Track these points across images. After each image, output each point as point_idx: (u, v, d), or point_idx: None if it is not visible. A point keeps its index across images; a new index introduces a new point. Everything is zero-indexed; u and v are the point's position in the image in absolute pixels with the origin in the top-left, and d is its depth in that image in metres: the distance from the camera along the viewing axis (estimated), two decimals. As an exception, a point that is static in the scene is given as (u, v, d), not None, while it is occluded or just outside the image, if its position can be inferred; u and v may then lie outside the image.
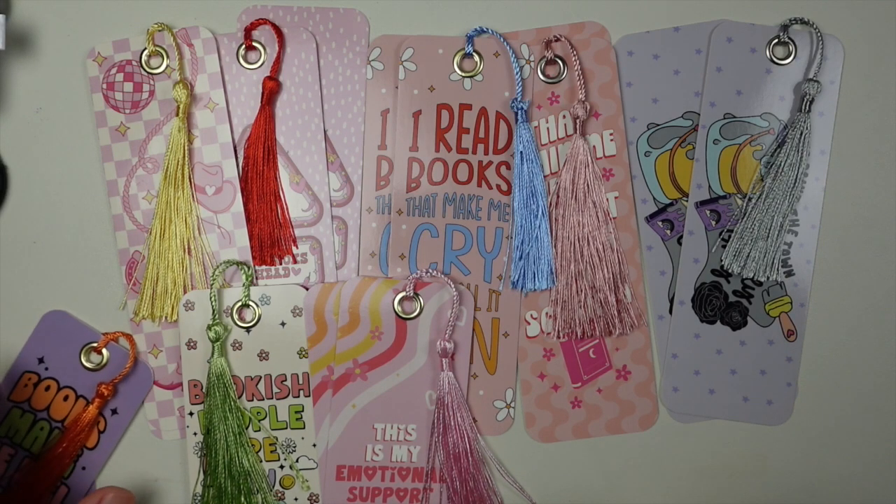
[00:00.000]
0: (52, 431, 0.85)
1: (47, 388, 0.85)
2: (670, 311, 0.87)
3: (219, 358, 0.83)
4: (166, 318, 0.84)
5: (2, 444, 0.85)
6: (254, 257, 0.85)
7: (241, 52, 0.86)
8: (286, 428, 0.85)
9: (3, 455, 0.85)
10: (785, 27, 0.85)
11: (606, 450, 0.88)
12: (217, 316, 0.83)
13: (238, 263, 0.84)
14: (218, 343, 0.83)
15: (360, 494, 0.85)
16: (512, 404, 0.86)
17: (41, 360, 0.85)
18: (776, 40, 0.86)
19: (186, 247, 0.84)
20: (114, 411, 0.86)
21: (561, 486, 0.88)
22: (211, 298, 0.83)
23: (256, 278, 0.85)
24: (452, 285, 0.83)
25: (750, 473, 0.88)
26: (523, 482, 0.87)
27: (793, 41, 0.86)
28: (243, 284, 0.84)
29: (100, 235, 0.86)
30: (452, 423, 0.84)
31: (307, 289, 0.85)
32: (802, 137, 0.84)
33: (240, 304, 0.84)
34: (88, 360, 0.85)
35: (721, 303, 0.86)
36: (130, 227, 0.85)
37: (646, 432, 0.87)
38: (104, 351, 0.85)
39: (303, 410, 0.85)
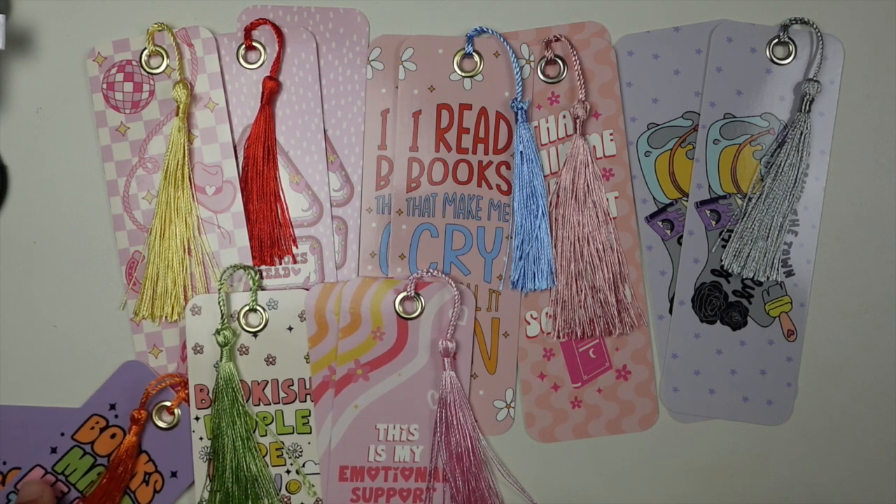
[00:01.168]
0: None
1: (113, 436, 0.85)
2: (670, 311, 0.87)
3: (227, 362, 0.83)
4: (166, 318, 0.84)
5: (56, 480, 0.85)
6: (254, 257, 0.85)
7: (241, 52, 0.85)
8: (293, 433, 0.85)
9: (55, 491, 0.85)
10: (785, 27, 0.85)
11: (606, 450, 0.88)
12: (226, 320, 0.83)
13: (245, 268, 0.84)
14: (227, 347, 0.83)
15: (364, 495, 0.85)
16: (512, 404, 0.86)
17: (112, 407, 0.85)
18: (776, 40, 0.86)
19: (186, 247, 0.84)
20: (173, 474, 0.85)
21: (561, 486, 0.88)
22: (220, 303, 0.83)
23: (261, 278, 0.85)
24: (454, 285, 0.83)
25: (750, 473, 0.88)
26: (523, 482, 0.87)
27: (793, 41, 0.86)
28: (251, 289, 0.84)
29: (100, 235, 0.86)
30: (455, 423, 0.84)
31: (308, 289, 0.85)
32: (802, 137, 0.84)
33: (247, 308, 0.84)
34: (161, 420, 0.85)
35: (721, 303, 0.86)
36: (130, 227, 0.85)
37: (646, 432, 0.87)
38: (176, 411, 0.85)
39: (309, 415, 0.85)
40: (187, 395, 0.85)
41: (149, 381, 0.84)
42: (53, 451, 0.85)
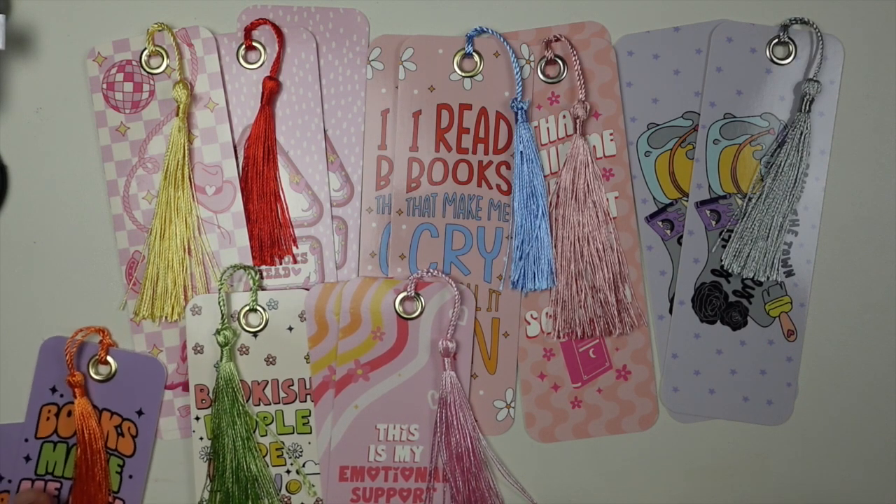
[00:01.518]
0: None
1: (69, 414, 0.85)
2: (670, 311, 0.87)
3: (227, 362, 0.83)
4: (166, 318, 0.84)
5: (46, 482, 0.85)
6: (254, 257, 0.85)
7: (241, 52, 0.85)
8: (293, 433, 0.85)
9: (50, 490, 0.85)
10: (785, 27, 0.85)
11: (606, 450, 0.88)
12: (226, 321, 0.83)
13: (245, 268, 0.84)
14: (227, 347, 0.83)
15: (364, 495, 0.85)
16: (512, 404, 0.86)
17: (54, 390, 0.85)
18: (776, 40, 0.86)
19: (186, 247, 0.84)
20: (139, 412, 0.85)
21: (561, 486, 0.88)
22: (220, 303, 0.83)
23: (261, 278, 0.85)
24: (454, 285, 0.83)
25: (750, 473, 0.88)
26: (523, 482, 0.87)
27: (793, 41, 0.86)
28: (251, 289, 0.84)
29: (100, 235, 0.86)
30: (455, 423, 0.84)
31: (308, 289, 0.85)
32: (802, 137, 0.84)
33: (247, 308, 0.84)
34: (97, 373, 0.85)
35: (721, 303, 0.86)
36: (130, 227, 0.85)
37: (646, 432, 0.87)
38: (109, 360, 0.85)
39: (309, 415, 0.85)
40: (111, 339, 0.85)
41: (73, 349, 0.85)
42: (28, 459, 0.85)
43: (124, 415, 0.85)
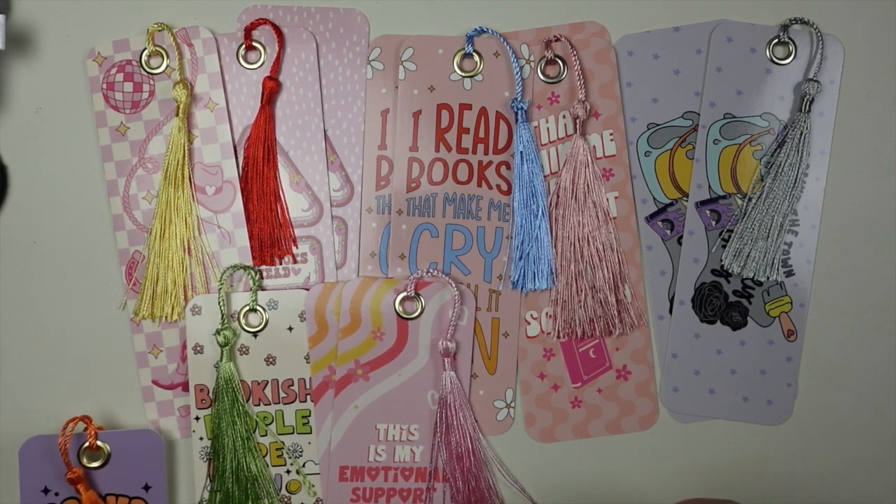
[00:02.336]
0: None
1: None
2: (670, 311, 0.87)
3: (227, 363, 0.83)
4: (166, 318, 0.84)
5: None
6: (254, 257, 0.85)
7: (241, 52, 0.85)
8: (293, 433, 0.85)
9: None
10: (785, 27, 0.85)
11: (606, 450, 0.88)
12: (226, 321, 0.83)
13: (246, 268, 0.84)
14: (227, 348, 0.83)
15: (364, 495, 0.85)
16: (512, 404, 0.86)
17: (46, 491, 0.83)
18: (776, 40, 0.86)
19: (186, 247, 0.84)
20: (146, 487, 0.84)
21: (561, 486, 0.88)
22: (220, 303, 0.83)
23: (261, 278, 0.85)
24: (454, 285, 0.83)
25: (750, 473, 0.88)
26: (523, 482, 0.87)
27: (793, 41, 0.86)
28: (251, 289, 0.84)
29: (100, 235, 0.86)
30: (455, 423, 0.84)
31: (308, 289, 0.85)
32: (802, 137, 0.84)
33: (247, 308, 0.84)
34: (91, 461, 0.83)
35: (721, 303, 0.86)
36: (130, 227, 0.85)
37: (646, 432, 0.87)
38: (101, 444, 0.83)
39: (309, 415, 0.85)
40: (95, 425, 0.83)
41: (54, 445, 0.82)
42: None
43: (131, 494, 0.84)
